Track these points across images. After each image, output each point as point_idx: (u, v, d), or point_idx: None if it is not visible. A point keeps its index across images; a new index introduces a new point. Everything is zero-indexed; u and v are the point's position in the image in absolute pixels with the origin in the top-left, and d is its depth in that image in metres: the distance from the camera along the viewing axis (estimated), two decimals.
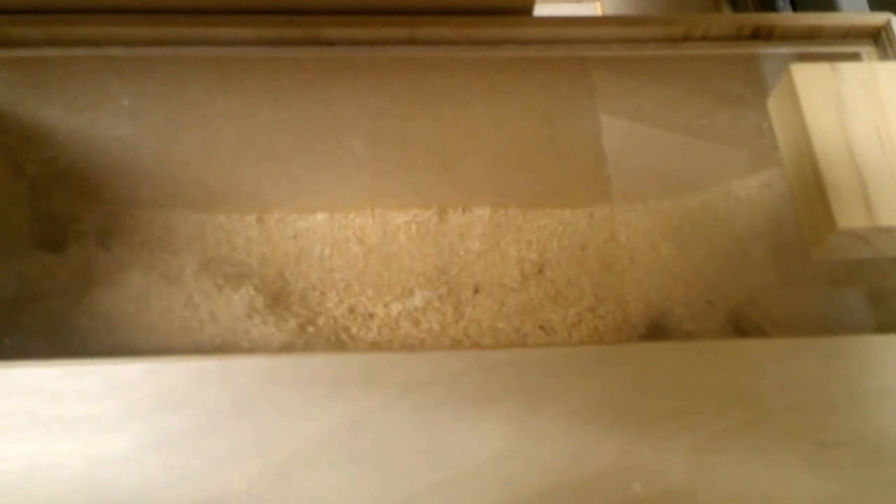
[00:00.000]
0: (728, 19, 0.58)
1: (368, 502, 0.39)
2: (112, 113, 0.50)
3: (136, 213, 0.48)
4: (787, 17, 0.58)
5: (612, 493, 0.40)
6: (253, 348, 0.45)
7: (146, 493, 0.39)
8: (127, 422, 0.40)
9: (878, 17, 0.57)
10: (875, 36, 0.57)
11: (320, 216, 0.49)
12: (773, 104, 0.53)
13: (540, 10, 0.56)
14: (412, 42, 0.54)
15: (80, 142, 0.50)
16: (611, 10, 1.09)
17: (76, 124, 0.50)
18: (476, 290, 0.47)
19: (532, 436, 0.41)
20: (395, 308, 0.46)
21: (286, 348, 0.45)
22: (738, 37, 0.57)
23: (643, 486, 0.40)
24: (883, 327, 0.47)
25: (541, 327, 0.46)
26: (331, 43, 0.54)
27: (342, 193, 0.50)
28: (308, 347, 0.45)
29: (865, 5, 0.68)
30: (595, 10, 1.11)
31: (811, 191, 0.48)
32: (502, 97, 0.53)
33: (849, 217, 0.46)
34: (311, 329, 0.46)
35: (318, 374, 0.41)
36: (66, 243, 0.47)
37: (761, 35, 0.57)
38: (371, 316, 0.46)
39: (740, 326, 0.47)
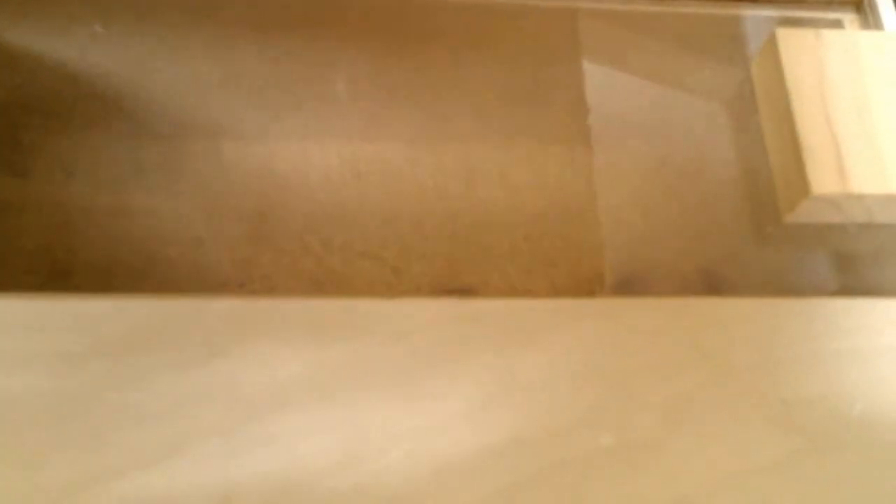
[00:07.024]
0: None
1: (342, 447, 0.39)
2: (84, 39, 0.48)
3: (107, 143, 0.46)
4: None
5: (584, 444, 0.40)
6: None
7: (107, 431, 0.38)
8: (92, 359, 0.39)
9: None
10: (857, 4, 0.57)
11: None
12: (757, 67, 0.54)
13: None
14: None
15: (50, 68, 0.48)
16: None
17: (46, 49, 0.48)
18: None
19: (506, 386, 0.41)
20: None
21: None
22: None
23: (614, 437, 0.41)
24: (849, 290, 0.48)
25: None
26: None
27: (322, 130, 0.49)
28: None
29: None
30: None
31: (788, 155, 0.49)
32: (490, 44, 0.52)
33: (823, 183, 0.47)
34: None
35: (294, 319, 0.41)
36: (32, 170, 0.45)
37: None
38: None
39: (711, 284, 0.48)
